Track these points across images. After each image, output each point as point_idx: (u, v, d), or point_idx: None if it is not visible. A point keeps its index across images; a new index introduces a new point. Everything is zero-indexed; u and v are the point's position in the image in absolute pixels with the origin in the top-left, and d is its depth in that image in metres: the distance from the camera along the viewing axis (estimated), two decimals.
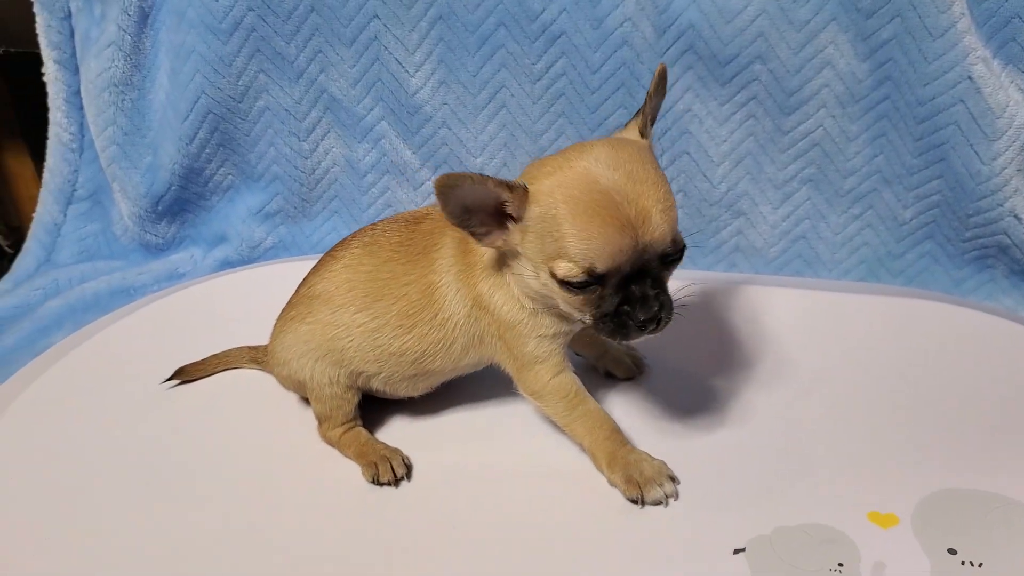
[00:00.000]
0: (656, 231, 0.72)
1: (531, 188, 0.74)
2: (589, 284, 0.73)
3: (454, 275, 0.85)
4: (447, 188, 0.71)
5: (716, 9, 1.12)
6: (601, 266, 0.72)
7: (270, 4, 1.20)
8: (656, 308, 0.74)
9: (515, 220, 0.75)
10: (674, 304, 0.76)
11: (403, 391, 0.92)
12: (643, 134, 0.80)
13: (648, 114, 0.80)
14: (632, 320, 0.74)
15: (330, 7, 1.20)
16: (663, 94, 0.82)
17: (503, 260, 0.81)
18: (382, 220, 0.94)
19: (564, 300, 0.76)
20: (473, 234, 0.76)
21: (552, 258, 0.73)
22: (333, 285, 0.90)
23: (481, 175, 0.71)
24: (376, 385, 0.91)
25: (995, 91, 1.08)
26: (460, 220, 0.74)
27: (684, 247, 0.75)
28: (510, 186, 0.73)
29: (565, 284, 0.74)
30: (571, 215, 0.71)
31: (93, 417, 0.97)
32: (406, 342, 0.87)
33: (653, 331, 0.75)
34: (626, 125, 0.82)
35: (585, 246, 0.71)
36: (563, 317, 0.82)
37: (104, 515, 0.82)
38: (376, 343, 0.87)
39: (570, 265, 0.72)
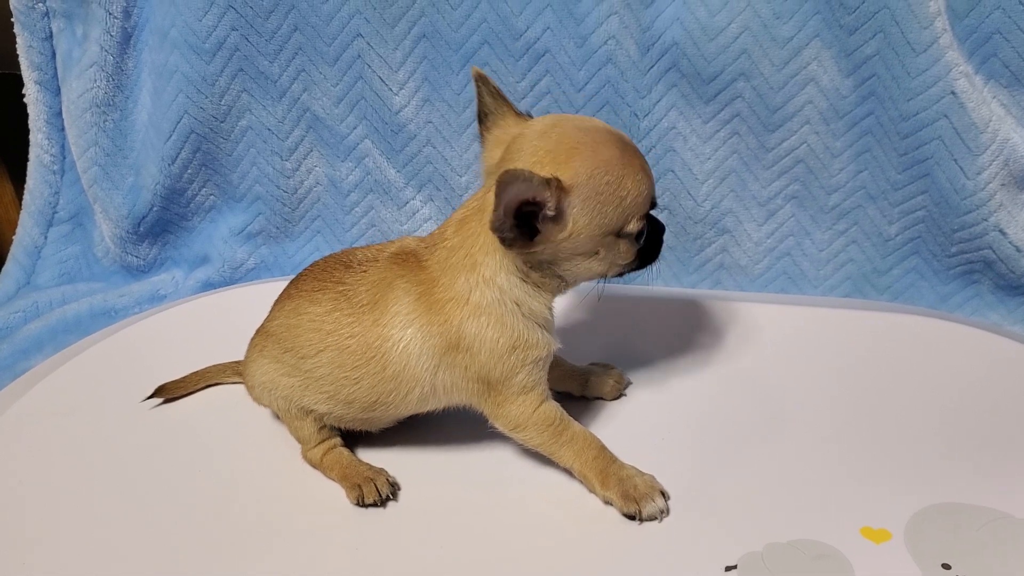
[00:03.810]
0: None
1: (566, 177, 0.74)
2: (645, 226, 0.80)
3: (417, 328, 0.81)
4: (505, 184, 0.70)
5: (699, 27, 1.12)
6: (653, 194, 0.80)
7: (253, 23, 1.20)
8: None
9: (552, 220, 0.75)
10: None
11: (360, 428, 0.91)
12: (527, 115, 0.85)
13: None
14: (660, 232, 0.85)
15: (313, 26, 1.20)
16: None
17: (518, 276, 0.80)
18: (333, 256, 0.91)
19: (623, 258, 0.81)
20: (505, 239, 0.75)
21: (618, 226, 0.77)
22: (283, 327, 0.88)
23: (530, 171, 0.71)
24: (329, 422, 0.89)
25: (978, 106, 1.08)
26: (505, 223, 0.73)
27: None
28: (546, 180, 0.72)
29: (636, 239, 0.80)
30: (621, 174, 0.76)
31: (74, 439, 0.95)
32: (354, 392, 0.84)
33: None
34: (502, 122, 0.84)
35: (644, 190, 0.78)
36: (548, 322, 0.84)
37: (86, 537, 0.81)
38: (322, 389, 0.85)
39: (638, 212, 0.78)
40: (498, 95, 0.84)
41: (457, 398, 0.85)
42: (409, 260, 0.85)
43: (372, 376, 0.83)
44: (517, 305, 0.80)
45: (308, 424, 0.88)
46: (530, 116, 0.84)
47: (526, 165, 0.75)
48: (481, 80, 0.83)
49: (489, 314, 0.80)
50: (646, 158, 0.80)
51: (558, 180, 0.73)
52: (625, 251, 0.80)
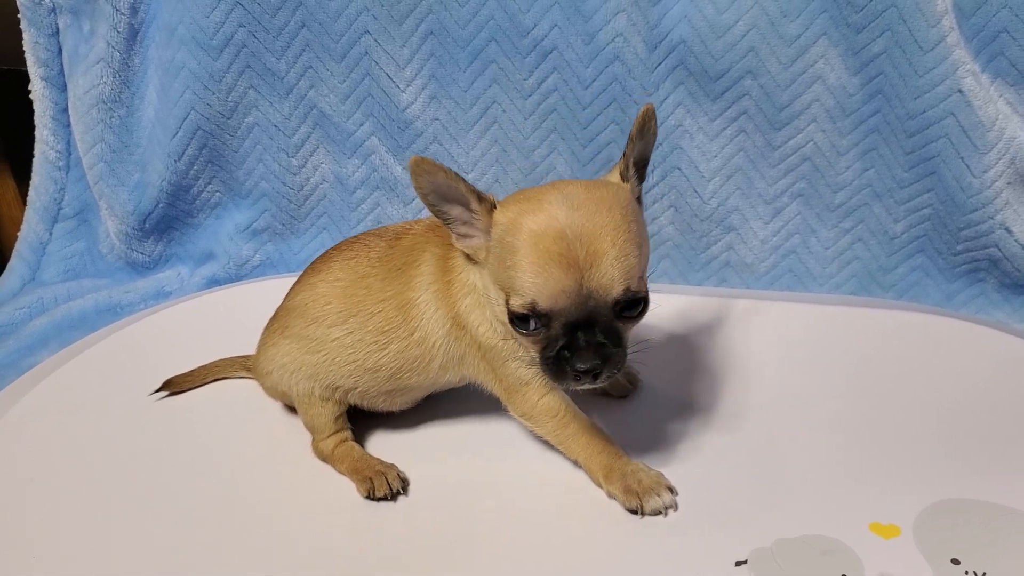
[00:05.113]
0: (604, 277, 0.69)
1: (498, 210, 0.74)
2: (532, 322, 0.72)
3: (433, 293, 0.83)
4: (419, 171, 0.71)
5: (707, 24, 1.13)
6: (543, 304, 0.70)
7: (261, 20, 1.20)
8: (597, 361, 0.70)
9: (481, 231, 0.75)
10: (627, 358, 0.73)
11: (381, 405, 0.91)
12: (624, 177, 0.77)
13: (630, 156, 0.76)
14: (570, 367, 0.71)
15: (321, 22, 1.20)
16: (649, 135, 0.76)
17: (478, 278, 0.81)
18: (366, 232, 0.92)
19: (513, 334, 0.76)
20: (450, 228, 0.77)
21: (506, 287, 0.72)
22: (310, 298, 0.89)
23: (457, 175, 0.72)
24: (353, 399, 0.90)
25: (985, 104, 1.09)
26: (433, 205, 0.74)
27: (644, 299, 0.72)
28: (480, 197, 0.73)
29: (513, 318, 0.72)
30: (524, 247, 0.70)
31: (80, 436, 0.95)
32: (381, 359, 0.85)
33: (592, 383, 0.72)
34: (613, 167, 0.80)
35: (529, 280, 0.70)
36: None
37: (93, 534, 0.81)
38: (350, 358, 0.86)
39: (517, 298, 0.71)
40: (631, 139, 0.76)
41: (473, 371, 0.87)
42: (443, 226, 0.85)
43: (400, 340, 0.84)
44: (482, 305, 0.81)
45: (328, 410, 0.89)
46: (625, 176, 0.77)
47: (514, 197, 0.75)
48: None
49: (473, 296, 0.81)
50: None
51: (492, 205, 0.74)
52: (513, 331, 0.74)
